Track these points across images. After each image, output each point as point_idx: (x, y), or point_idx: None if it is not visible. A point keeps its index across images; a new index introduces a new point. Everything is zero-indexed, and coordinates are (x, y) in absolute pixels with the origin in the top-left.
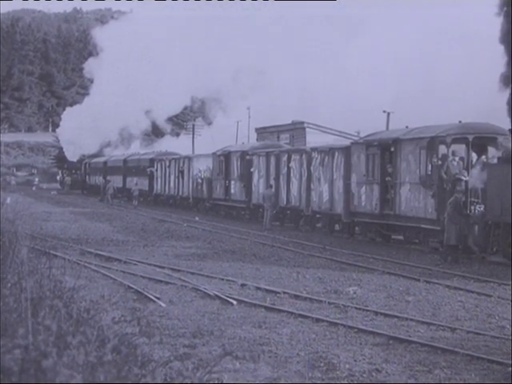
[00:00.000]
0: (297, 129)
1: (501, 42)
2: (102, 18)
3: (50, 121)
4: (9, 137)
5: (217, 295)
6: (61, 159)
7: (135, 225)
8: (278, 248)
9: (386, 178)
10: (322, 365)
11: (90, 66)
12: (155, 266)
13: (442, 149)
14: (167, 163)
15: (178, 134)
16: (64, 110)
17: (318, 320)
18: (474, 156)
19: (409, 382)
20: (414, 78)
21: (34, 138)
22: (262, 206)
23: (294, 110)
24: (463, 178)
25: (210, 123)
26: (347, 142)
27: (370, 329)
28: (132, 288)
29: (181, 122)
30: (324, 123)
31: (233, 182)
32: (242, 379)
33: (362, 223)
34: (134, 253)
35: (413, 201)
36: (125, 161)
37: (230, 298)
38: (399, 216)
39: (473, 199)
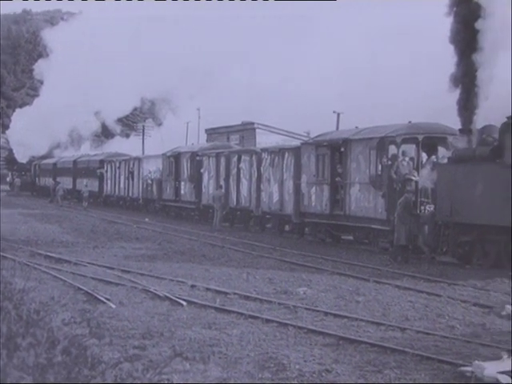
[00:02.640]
0: (247, 129)
1: (450, 41)
2: (52, 19)
3: (0, 123)
4: None
5: (167, 296)
6: (10, 161)
7: (85, 226)
8: (228, 249)
9: (336, 179)
10: (271, 365)
11: (40, 68)
12: (105, 267)
13: (392, 149)
14: (117, 164)
15: (127, 135)
16: (14, 111)
17: (267, 321)
18: (424, 156)
19: (358, 382)
20: (363, 77)
21: None
22: (211, 206)
23: (243, 110)
24: (413, 178)
25: (159, 124)
26: (297, 143)
27: (320, 329)
28: (82, 289)
29: (131, 123)
30: (274, 124)
31: (183, 183)
32: (191, 380)
33: (311, 224)
34: (83, 254)
35: (363, 201)
36: (74, 162)
37: (180, 299)
38: (349, 216)
39: (423, 199)
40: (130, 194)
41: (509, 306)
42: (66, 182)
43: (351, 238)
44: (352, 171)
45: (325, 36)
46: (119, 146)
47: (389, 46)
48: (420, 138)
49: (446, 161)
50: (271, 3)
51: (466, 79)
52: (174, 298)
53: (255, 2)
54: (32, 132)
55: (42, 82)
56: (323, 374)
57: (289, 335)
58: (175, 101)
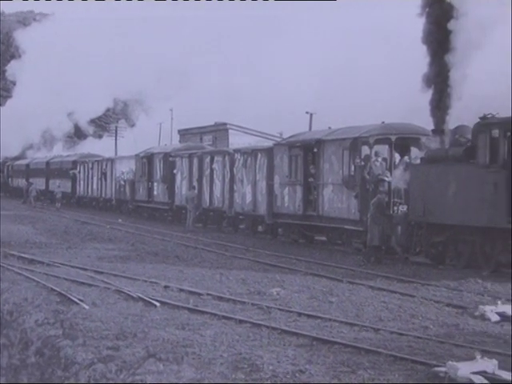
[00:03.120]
0: (219, 130)
1: (423, 42)
2: (25, 20)
3: None
4: None
5: (140, 297)
6: None
7: (58, 227)
8: (201, 249)
9: (309, 179)
10: (245, 366)
11: (13, 69)
12: (78, 268)
13: (365, 149)
14: (90, 165)
15: (100, 136)
16: None
17: (241, 321)
18: (397, 156)
19: (332, 382)
20: (336, 78)
21: None
22: (184, 207)
23: (216, 111)
24: (386, 178)
25: (132, 125)
26: (270, 144)
27: (294, 330)
28: (55, 290)
29: (103, 123)
30: (247, 124)
31: (156, 184)
32: (165, 381)
33: (285, 224)
34: (56, 255)
35: (336, 202)
36: (47, 163)
37: (154, 299)
38: (322, 217)
39: (396, 200)
40: (103, 195)
41: (482, 307)
42: (38, 183)
43: (324, 238)
44: (325, 172)
45: (298, 37)
46: (92, 146)
47: (362, 47)
48: (393, 138)
49: (418, 161)
50: (246, 3)
51: (439, 79)
52: (147, 298)
53: (230, 3)
54: (5, 133)
55: (14, 83)
56: (297, 374)
57: (262, 336)
58: (148, 101)
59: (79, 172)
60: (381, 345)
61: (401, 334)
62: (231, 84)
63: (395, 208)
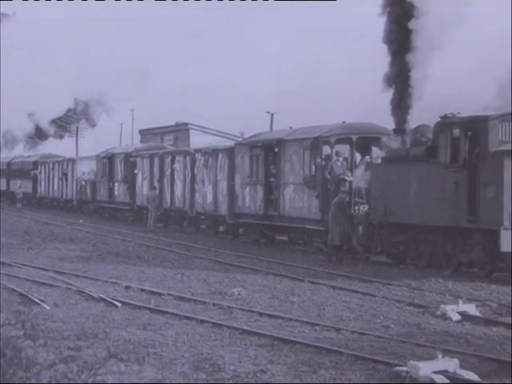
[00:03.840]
0: (180, 130)
1: (384, 41)
2: None
3: None
4: None
5: (101, 297)
6: None
7: (19, 228)
8: (163, 250)
9: (270, 179)
10: (206, 366)
11: None
12: (39, 268)
13: (326, 149)
14: (51, 166)
15: (61, 137)
16: None
17: (202, 321)
18: (358, 156)
19: (293, 382)
20: (297, 78)
21: None
22: (146, 207)
23: (177, 111)
24: (347, 178)
25: (93, 125)
26: (231, 143)
27: (255, 330)
28: (16, 291)
29: (64, 124)
30: (208, 124)
31: (117, 184)
32: (126, 381)
33: (246, 224)
34: (17, 256)
35: (297, 201)
36: (8, 164)
37: (115, 300)
38: (283, 217)
39: (357, 199)
40: (64, 196)
41: (443, 306)
42: None
43: (286, 238)
44: (286, 172)
45: (259, 36)
46: (53, 147)
47: (323, 47)
48: (354, 138)
49: (379, 161)
50: (206, 3)
51: (400, 79)
52: (108, 299)
53: (190, 3)
54: None
55: None
56: (258, 374)
57: (224, 336)
58: (109, 102)
59: (40, 172)
60: (342, 344)
61: (362, 334)
62: (192, 84)
63: (356, 208)
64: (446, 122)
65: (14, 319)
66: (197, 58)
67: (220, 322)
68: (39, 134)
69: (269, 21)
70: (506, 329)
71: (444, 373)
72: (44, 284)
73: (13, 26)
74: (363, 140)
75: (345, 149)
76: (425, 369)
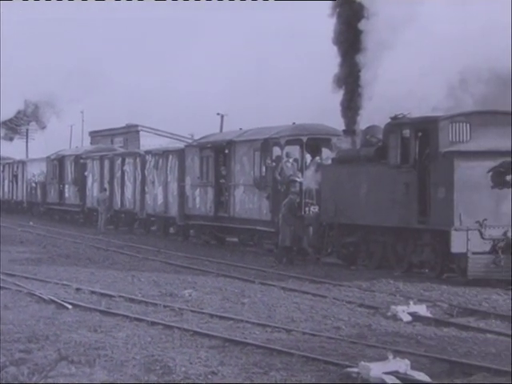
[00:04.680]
0: (130, 132)
1: (334, 42)
2: None
3: None
4: None
5: (52, 300)
6: None
7: None
8: (113, 251)
9: (221, 181)
10: (157, 368)
11: None
12: None
13: (276, 150)
14: (1, 168)
15: (11, 139)
16: None
17: (153, 323)
18: (308, 157)
19: (245, 383)
20: (247, 79)
21: None
22: (96, 209)
23: (127, 113)
24: (297, 179)
25: (43, 127)
26: (181, 145)
27: (206, 331)
28: None
29: (14, 126)
30: (158, 126)
31: (67, 186)
32: (77, 383)
33: (196, 226)
34: None
35: (247, 203)
36: None
37: (65, 302)
38: (234, 218)
39: (307, 200)
40: (14, 198)
41: (394, 307)
42: None
43: (236, 239)
44: (236, 173)
45: (209, 37)
46: (3, 149)
47: (273, 48)
48: (304, 139)
49: (330, 162)
50: (157, 4)
51: (350, 80)
52: (59, 301)
53: (140, 4)
54: None
55: None
56: (209, 376)
57: (174, 337)
58: (59, 104)
59: None
60: (293, 346)
61: (313, 335)
62: (142, 85)
63: (307, 209)
64: (396, 123)
65: None
66: (147, 59)
67: (171, 324)
68: None
69: (219, 21)
70: (457, 329)
71: (395, 373)
72: None
73: None
74: (313, 141)
75: (295, 150)
76: (376, 370)
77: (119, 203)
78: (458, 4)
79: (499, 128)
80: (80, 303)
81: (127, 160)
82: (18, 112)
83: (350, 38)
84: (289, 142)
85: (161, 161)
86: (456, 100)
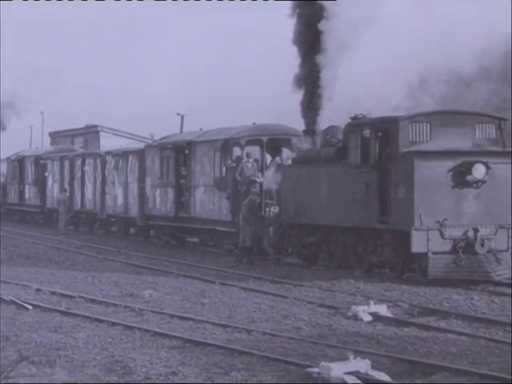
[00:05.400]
0: (91, 132)
1: (294, 43)
2: None
3: None
4: None
5: (12, 300)
6: None
7: None
8: (73, 252)
9: (181, 181)
10: (118, 368)
11: None
12: None
13: (237, 151)
14: None
15: None
16: None
17: (113, 324)
18: (269, 157)
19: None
20: (207, 79)
21: None
22: (56, 210)
23: (87, 113)
24: (257, 179)
25: (3, 128)
26: (141, 145)
27: (166, 332)
28: None
29: None
30: (118, 126)
31: (27, 187)
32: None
33: (156, 226)
34: None
35: (207, 203)
36: None
37: (26, 302)
38: (194, 219)
39: (267, 201)
40: None
41: (354, 307)
42: None
43: (196, 240)
44: (197, 173)
45: (169, 38)
46: None
47: (234, 48)
48: (264, 139)
49: (290, 162)
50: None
51: (310, 80)
52: (19, 301)
53: (101, 4)
54: None
55: None
56: (170, 376)
57: (135, 338)
58: (19, 104)
59: None
60: (254, 346)
61: (274, 335)
62: (102, 86)
63: (267, 209)
64: (356, 123)
65: None
66: (107, 59)
67: (131, 325)
68: None
69: (179, 21)
70: (418, 329)
71: (355, 374)
72: None
73: None
74: (273, 141)
75: (255, 150)
76: (336, 370)
77: (79, 204)
78: (418, 4)
79: (459, 128)
80: (40, 304)
81: (87, 161)
82: None
83: (309, 38)
84: (249, 143)
85: (121, 161)
86: (416, 100)
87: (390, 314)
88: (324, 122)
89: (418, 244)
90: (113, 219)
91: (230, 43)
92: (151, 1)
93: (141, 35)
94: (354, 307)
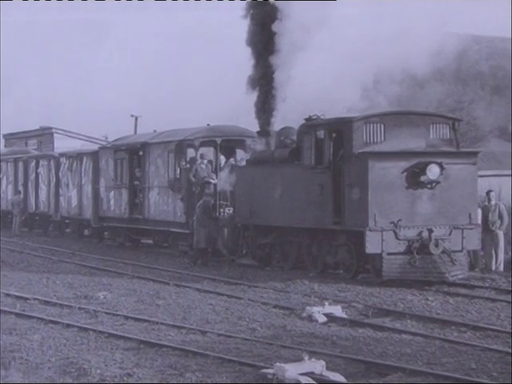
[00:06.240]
0: (45, 134)
1: (248, 44)
2: None
3: None
4: None
5: None
6: None
7: None
8: (28, 254)
9: (135, 182)
10: (73, 370)
11: None
12: None
13: (191, 152)
14: None
15: None
16: None
17: (68, 325)
18: (223, 159)
19: None
20: (161, 81)
21: None
22: (10, 212)
23: (42, 115)
24: (212, 181)
25: None
26: (96, 147)
27: (121, 333)
28: None
29: None
30: (72, 128)
31: None
32: None
33: (111, 228)
34: None
35: (162, 205)
36: None
37: None
38: (148, 220)
39: (222, 202)
40: None
41: (309, 308)
42: None
43: (151, 241)
44: (151, 175)
45: (124, 39)
46: None
47: (188, 49)
48: (218, 140)
49: (244, 163)
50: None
51: (264, 81)
52: None
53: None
54: None
55: None
56: (124, 378)
57: (90, 340)
58: None
59: None
60: (208, 347)
61: (228, 336)
62: (55, 87)
63: (221, 210)
64: (311, 124)
65: None
66: (61, 61)
67: (86, 326)
68: None
69: (134, 22)
70: (372, 330)
71: (310, 374)
72: None
73: None
74: (228, 142)
75: (209, 151)
76: (291, 371)
77: (34, 206)
78: (371, 5)
79: (413, 128)
80: None
81: (41, 162)
82: None
83: (263, 39)
84: (203, 144)
85: (75, 163)
86: (370, 101)
87: (344, 315)
88: (278, 123)
89: (372, 245)
90: (67, 221)
91: (184, 44)
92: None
93: (94, 37)
94: (308, 308)
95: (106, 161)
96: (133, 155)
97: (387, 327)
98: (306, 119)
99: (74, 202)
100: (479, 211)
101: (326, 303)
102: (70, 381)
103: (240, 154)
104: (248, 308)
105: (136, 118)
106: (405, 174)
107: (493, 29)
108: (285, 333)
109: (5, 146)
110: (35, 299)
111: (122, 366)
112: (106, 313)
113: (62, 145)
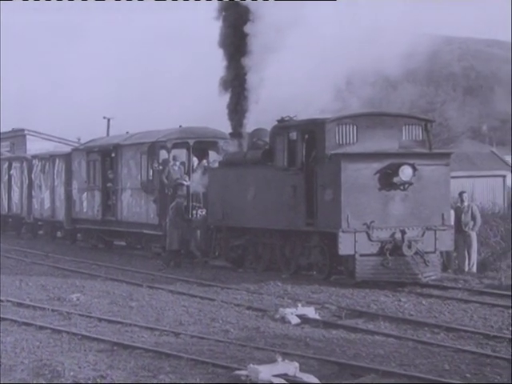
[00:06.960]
0: (17, 136)
1: (220, 45)
2: None
3: None
4: None
5: None
6: None
7: None
8: (0, 256)
9: (108, 184)
10: (46, 372)
11: None
12: None
13: (163, 154)
14: None
15: None
16: None
17: (41, 327)
18: (195, 160)
19: None
20: (134, 82)
21: None
22: None
23: (14, 117)
24: (184, 182)
25: None
26: (68, 149)
27: (94, 335)
28: None
29: None
30: (45, 130)
31: None
32: None
33: (84, 230)
34: None
35: (134, 206)
36: None
37: None
38: (121, 222)
39: (194, 204)
40: None
41: (282, 309)
42: None
43: (124, 243)
44: (123, 176)
45: (97, 41)
46: None
47: (160, 51)
48: (191, 142)
49: (216, 165)
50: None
51: (236, 83)
52: None
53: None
54: None
55: None
56: (98, 379)
57: (63, 341)
58: None
59: None
60: (181, 349)
61: (201, 338)
62: (28, 89)
63: (194, 212)
64: (283, 126)
65: None
66: (33, 63)
67: (59, 328)
68: None
69: (106, 24)
70: (346, 331)
71: (284, 376)
72: None
73: None
74: (200, 144)
75: (182, 153)
76: (264, 372)
77: (6, 208)
78: (344, 6)
79: (386, 130)
80: None
81: (14, 164)
82: None
83: (235, 40)
84: (175, 145)
85: (48, 165)
86: (343, 102)
87: (317, 316)
88: (251, 124)
89: (345, 246)
90: (40, 223)
91: (156, 46)
92: (77, 3)
93: (67, 38)
94: (281, 309)
95: (78, 163)
96: (105, 157)
97: (360, 328)
98: (279, 121)
99: (47, 203)
100: (452, 212)
101: (299, 305)
102: (43, 383)
103: (213, 156)
104: (221, 310)
105: (108, 120)
106: (377, 175)
107: (465, 30)
108: (258, 334)
109: None
110: (8, 301)
111: (96, 367)
112: (79, 315)
113: (34, 147)
